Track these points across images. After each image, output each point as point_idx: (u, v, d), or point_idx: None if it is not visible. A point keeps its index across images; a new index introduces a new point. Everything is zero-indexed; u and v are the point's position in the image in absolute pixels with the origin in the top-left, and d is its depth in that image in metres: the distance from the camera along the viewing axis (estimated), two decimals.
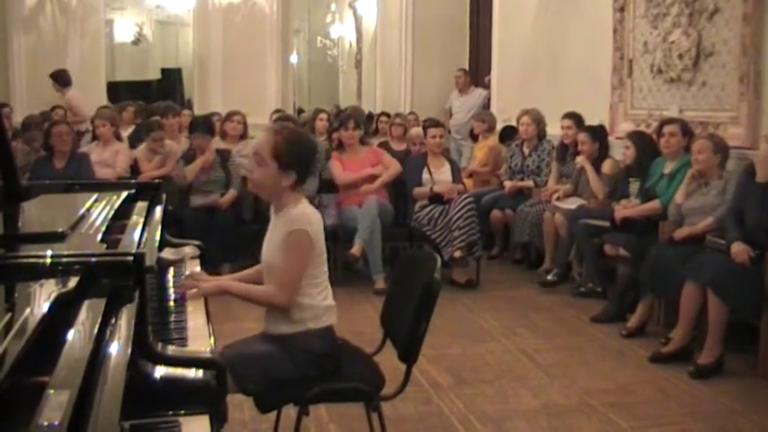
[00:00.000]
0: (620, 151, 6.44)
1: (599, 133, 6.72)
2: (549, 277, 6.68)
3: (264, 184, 3.00)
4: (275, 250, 2.97)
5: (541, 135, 7.64)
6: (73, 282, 1.80)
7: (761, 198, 4.68)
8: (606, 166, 6.60)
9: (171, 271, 3.36)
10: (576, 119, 7.09)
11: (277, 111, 9.32)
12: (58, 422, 1.19)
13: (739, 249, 4.61)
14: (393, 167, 6.94)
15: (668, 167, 5.71)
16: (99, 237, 2.40)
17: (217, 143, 7.51)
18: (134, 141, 8.21)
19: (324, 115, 8.69)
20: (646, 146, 6.01)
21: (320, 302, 3.01)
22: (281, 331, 2.99)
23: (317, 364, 2.99)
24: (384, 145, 8.09)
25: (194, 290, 2.94)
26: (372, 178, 6.82)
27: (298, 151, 2.96)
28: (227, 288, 3.01)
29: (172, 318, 2.85)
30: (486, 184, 8.38)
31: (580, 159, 6.72)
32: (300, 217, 2.93)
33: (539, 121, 7.60)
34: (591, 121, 6.98)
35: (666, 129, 5.72)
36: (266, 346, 3.01)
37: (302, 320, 2.97)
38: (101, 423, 1.33)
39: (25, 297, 1.74)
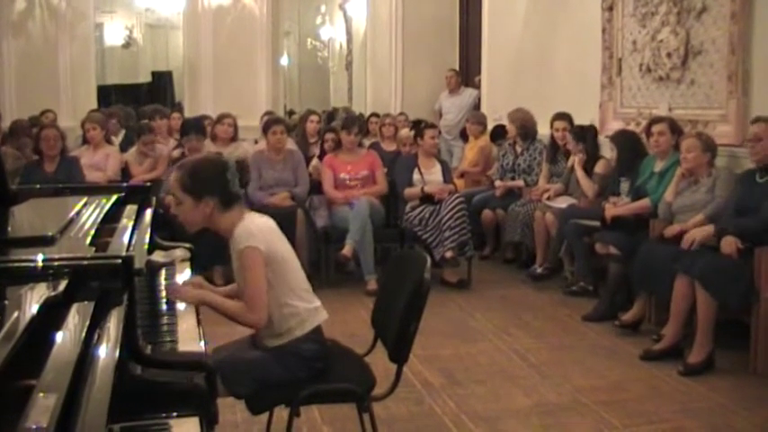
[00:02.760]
0: (610, 150, 6.46)
1: (585, 133, 6.72)
2: (539, 270, 6.70)
3: (190, 219, 2.97)
4: (237, 273, 2.98)
5: (531, 134, 7.65)
6: (62, 285, 1.81)
7: (759, 187, 4.75)
8: (599, 166, 6.62)
9: (162, 274, 3.36)
10: (568, 119, 7.10)
11: (267, 113, 9.31)
12: (45, 425, 1.19)
13: (728, 241, 4.64)
14: (380, 185, 6.97)
15: (658, 166, 5.74)
16: (88, 240, 2.41)
17: (207, 146, 7.49)
18: (125, 145, 8.20)
19: (314, 117, 8.68)
20: (628, 146, 6.05)
21: (303, 307, 3.00)
22: (271, 345, 3.00)
23: (307, 367, 2.98)
24: (375, 146, 8.09)
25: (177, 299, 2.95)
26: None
27: (203, 177, 2.92)
28: (207, 300, 2.97)
29: (163, 320, 2.86)
30: (477, 185, 8.39)
31: (576, 159, 6.71)
32: (241, 235, 2.89)
33: (514, 121, 7.62)
34: (580, 119, 6.99)
35: (655, 128, 5.75)
36: (256, 351, 3.02)
37: (289, 330, 2.97)
38: (88, 426, 1.33)
39: (14, 300, 1.74)
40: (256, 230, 2.92)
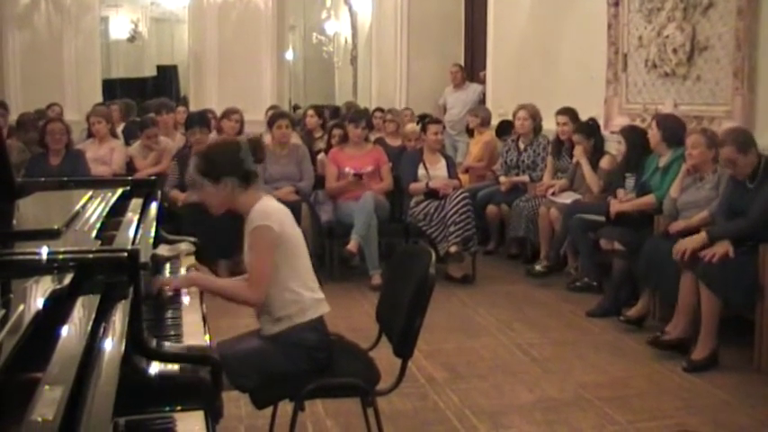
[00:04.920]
0: (615, 146, 6.46)
1: (592, 129, 6.72)
2: (538, 268, 6.69)
3: (213, 202, 3.08)
4: (247, 251, 3.03)
5: (537, 130, 7.64)
6: (67, 278, 1.81)
7: (750, 192, 4.74)
8: (604, 162, 6.61)
9: (167, 267, 3.37)
10: (571, 114, 7.09)
11: (272, 107, 9.30)
12: (51, 418, 1.20)
13: (722, 245, 4.64)
14: (386, 181, 6.98)
15: (662, 161, 5.73)
16: (94, 233, 2.41)
17: (212, 139, 7.50)
18: (127, 139, 8.21)
19: (311, 111, 8.68)
20: (637, 141, 6.03)
21: (304, 295, 3.02)
22: (271, 332, 3.02)
23: (310, 358, 3.00)
24: (380, 141, 8.09)
25: (167, 287, 2.96)
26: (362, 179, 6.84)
27: (219, 159, 3.03)
28: (196, 280, 3.04)
29: (168, 314, 2.86)
30: (482, 180, 8.38)
31: (577, 153, 6.72)
32: (257, 214, 2.97)
33: (535, 116, 7.60)
34: (586, 115, 6.98)
35: (653, 123, 5.80)
36: (259, 343, 3.03)
37: (289, 316, 2.99)
38: (94, 419, 1.34)
39: (20, 293, 1.75)
40: (272, 211, 3.00)
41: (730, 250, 4.61)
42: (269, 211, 2.99)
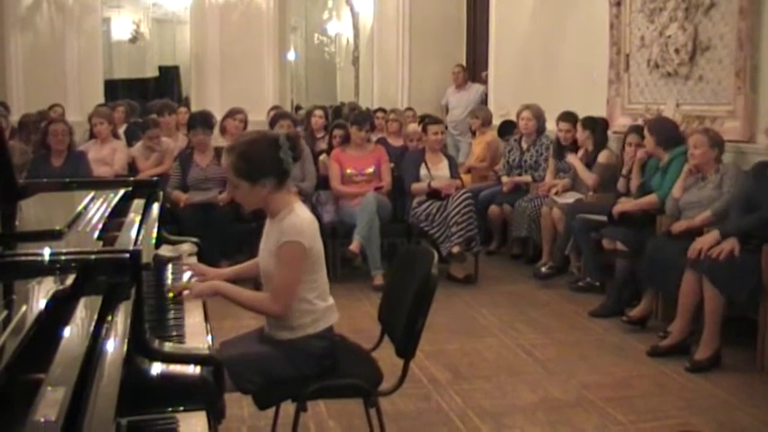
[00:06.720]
0: (617, 146, 6.45)
1: (595, 124, 6.72)
2: (544, 269, 6.68)
3: (248, 201, 2.98)
4: (270, 256, 2.94)
5: (540, 130, 7.63)
6: (70, 279, 1.81)
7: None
8: (602, 156, 6.62)
9: (169, 268, 3.37)
10: (573, 120, 7.07)
11: (274, 108, 9.31)
12: (54, 418, 1.20)
13: (729, 243, 4.62)
14: (386, 181, 6.98)
15: (661, 162, 5.73)
16: (96, 234, 2.41)
17: (216, 139, 7.50)
18: (129, 140, 8.21)
19: (319, 112, 8.68)
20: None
21: (319, 305, 2.99)
22: (280, 337, 2.99)
23: (316, 364, 2.99)
24: (381, 141, 8.09)
25: (187, 291, 2.94)
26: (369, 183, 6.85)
27: (257, 159, 2.88)
28: (220, 289, 2.97)
29: (170, 315, 2.86)
30: (484, 180, 8.38)
31: (570, 158, 6.74)
32: (292, 228, 2.86)
33: (539, 117, 7.59)
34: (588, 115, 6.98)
35: (645, 131, 5.84)
36: (264, 347, 3.01)
37: (302, 326, 2.96)
38: (96, 419, 1.34)
39: (23, 294, 1.75)
40: (305, 227, 2.91)
41: (736, 248, 4.60)
42: (304, 227, 2.89)
